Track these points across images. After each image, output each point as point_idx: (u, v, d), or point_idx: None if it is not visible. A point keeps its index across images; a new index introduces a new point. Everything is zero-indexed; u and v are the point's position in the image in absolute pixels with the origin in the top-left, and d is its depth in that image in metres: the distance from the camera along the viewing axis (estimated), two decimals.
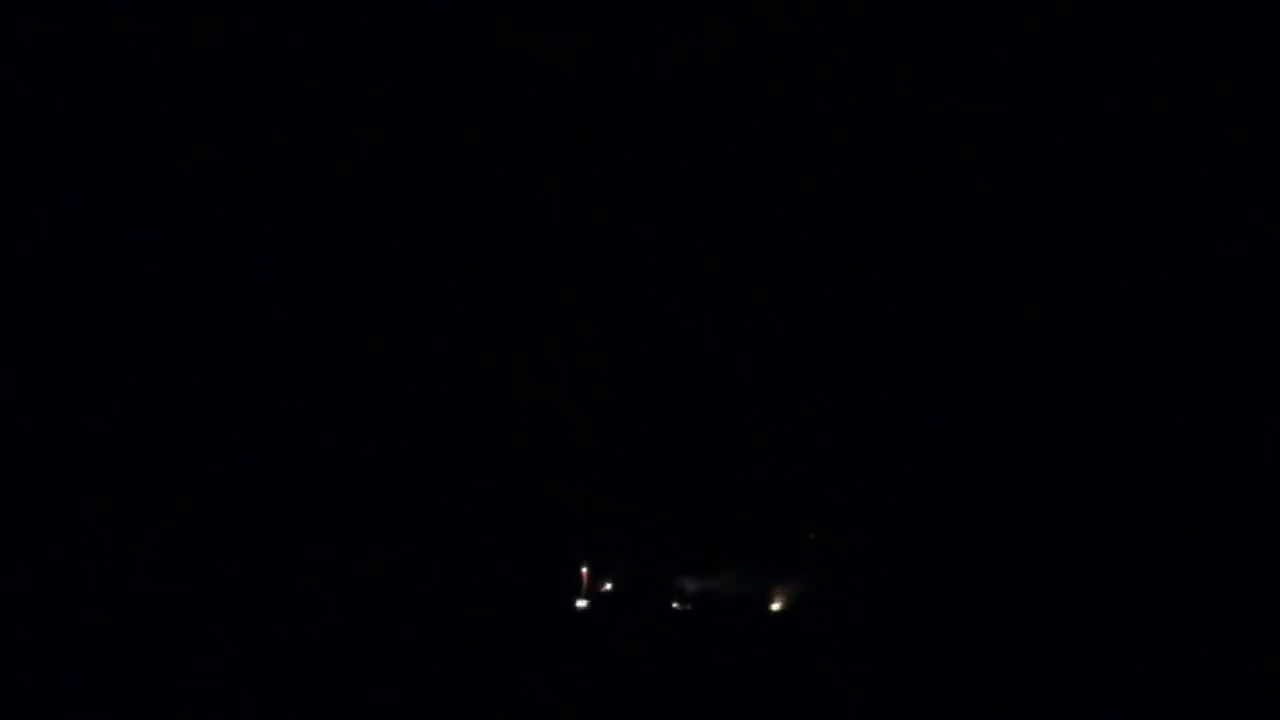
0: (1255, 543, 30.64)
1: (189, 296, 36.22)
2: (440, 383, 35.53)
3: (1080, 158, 34.32)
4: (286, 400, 35.76)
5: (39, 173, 34.19)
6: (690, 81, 35.51)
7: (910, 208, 35.53)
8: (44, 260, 35.18)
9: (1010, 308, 34.04)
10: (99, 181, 35.32)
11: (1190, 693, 29.24)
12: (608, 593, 35.69)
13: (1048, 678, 30.93)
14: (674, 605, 35.45)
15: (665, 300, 36.06)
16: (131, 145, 35.23)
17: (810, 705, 31.98)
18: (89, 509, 35.05)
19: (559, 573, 35.48)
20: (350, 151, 36.44)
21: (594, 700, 32.93)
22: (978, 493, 33.56)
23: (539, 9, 34.58)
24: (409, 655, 33.50)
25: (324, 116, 36.30)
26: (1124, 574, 31.23)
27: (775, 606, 35.26)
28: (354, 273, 36.59)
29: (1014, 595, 31.84)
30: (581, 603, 35.16)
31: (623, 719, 32.09)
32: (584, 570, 34.64)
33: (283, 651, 34.01)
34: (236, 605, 33.77)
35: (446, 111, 36.61)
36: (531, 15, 34.31)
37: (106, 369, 35.65)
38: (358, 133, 36.49)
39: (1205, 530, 31.50)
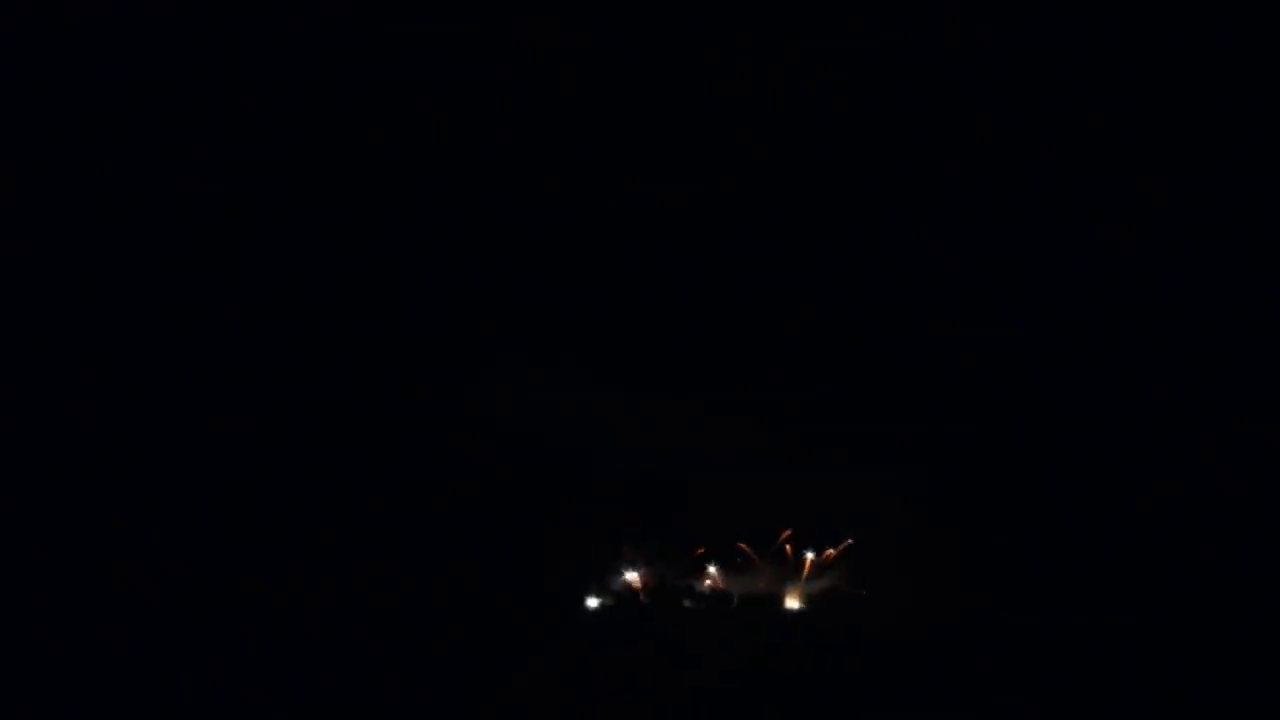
0: (1255, 542, 30.23)
1: (188, 297, 35.40)
2: (455, 381, 35.07)
3: (1080, 158, 33.76)
4: (289, 401, 35.17)
5: (39, 173, 33.46)
6: (689, 80, 34.81)
7: (910, 209, 34.97)
8: (43, 260, 34.34)
9: (1016, 312, 33.61)
10: (98, 182, 34.49)
11: (1192, 693, 28.90)
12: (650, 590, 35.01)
13: (1057, 677, 30.63)
14: (685, 604, 35.35)
15: (681, 302, 35.65)
16: (131, 146, 34.41)
17: (824, 703, 31.76)
18: (89, 509, 34.27)
19: (571, 572, 35.18)
20: (349, 153, 35.70)
21: (607, 698, 32.65)
22: (986, 497, 33.20)
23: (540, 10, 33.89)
24: (418, 653, 33.06)
25: (322, 118, 35.48)
26: (1127, 575, 30.95)
27: (793, 605, 35.18)
28: (355, 273, 35.92)
29: (1023, 596, 31.52)
30: (593, 601, 35.06)
31: (635, 716, 31.83)
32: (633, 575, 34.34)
33: (287, 652, 33.50)
34: (249, 605, 33.15)
35: (445, 112, 35.77)
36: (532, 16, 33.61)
37: (105, 369, 34.88)
38: (356, 134, 35.72)
39: (1206, 530, 31.09)
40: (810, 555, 34.49)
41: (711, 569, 35.04)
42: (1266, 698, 28.76)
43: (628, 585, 35.83)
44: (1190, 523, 31.56)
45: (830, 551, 34.55)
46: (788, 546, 35.46)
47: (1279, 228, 31.30)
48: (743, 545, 35.40)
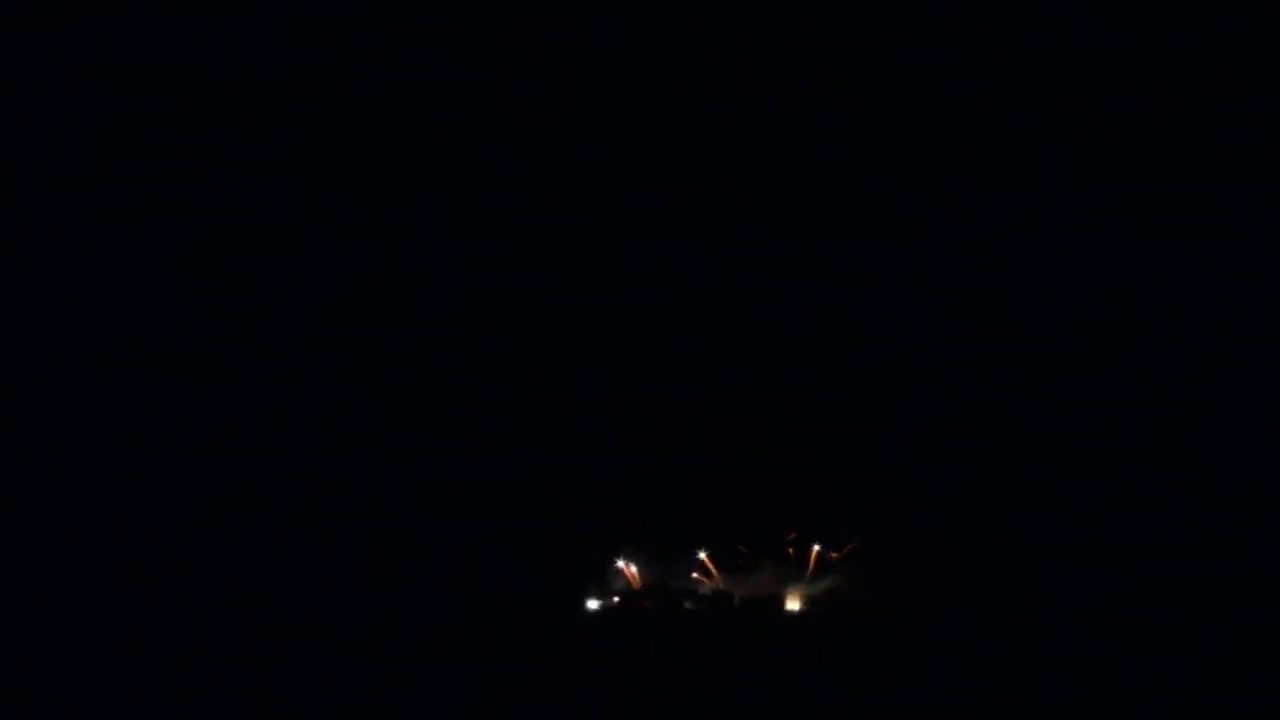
0: (1255, 543, 30.18)
1: (189, 298, 35.31)
2: (460, 381, 35.01)
3: (1080, 158, 33.68)
4: (290, 401, 35.12)
5: (39, 173, 33.37)
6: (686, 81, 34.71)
7: (912, 210, 34.87)
8: (43, 260, 34.28)
9: (1016, 312, 33.58)
10: (98, 182, 34.40)
11: (1191, 693, 28.88)
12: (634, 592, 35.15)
13: (1057, 677, 30.59)
14: (686, 605, 35.36)
15: (681, 302, 35.63)
16: (131, 146, 34.32)
17: (824, 703, 31.75)
18: (89, 509, 34.19)
19: (571, 572, 35.20)
20: (350, 154, 35.64)
21: (607, 698, 32.64)
22: (986, 497, 33.18)
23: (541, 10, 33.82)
24: (418, 653, 33.04)
25: (323, 119, 35.42)
26: (1125, 575, 30.94)
27: (794, 606, 35.18)
28: (355, 273, 35.90)
29: (1023, 596, 31.49)
30: (593, 602, 35.05)
31: (635, 716, 31.82)
32: (629, 568, 34.50)
33: (287, 652, 33.44)
34: (249, 605, 33.09)
35: (444, 114, 35.70)
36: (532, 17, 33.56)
37: (106, 369, 34.82)
38: (357, 135, 35.67)
39: (1205, 530, 31.03)
40: (817, 548, 34.47)
41: (711, 568, 35.02)
42: (1266, 698, 28.76)
43: (628, 586, 35.84)
44: (1190, 522, 31.55)
45: (835, 554, 34.52)
46: (790, 549, 35.46)
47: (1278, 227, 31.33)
48: (741, 546, 35.38)
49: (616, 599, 35.22)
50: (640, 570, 35.59)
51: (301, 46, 33.68)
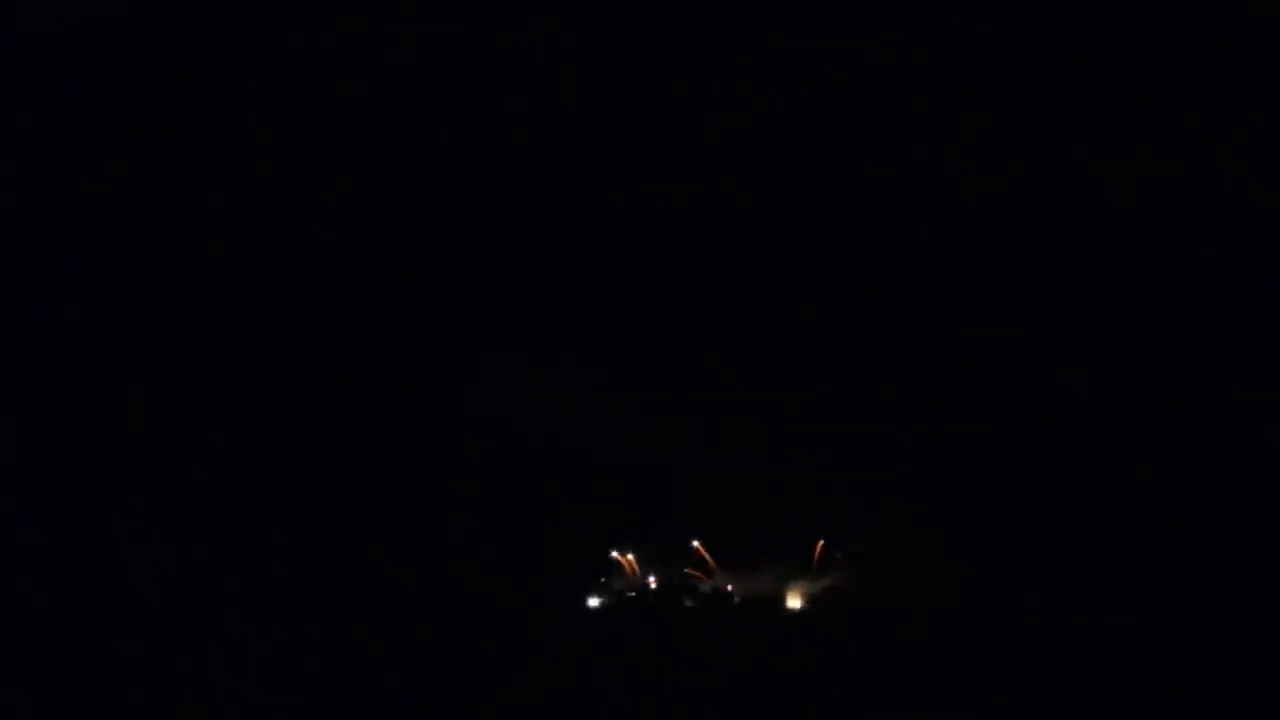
0: (1255, 543, 30.17)
1: (190, 297, 35.29)
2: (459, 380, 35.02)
3: (1080, 158, 33.63)
4: (290, 401, 35.12)
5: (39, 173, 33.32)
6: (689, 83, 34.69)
7: (912, 212, 34.84)
8: (43, 260, 34.25)
9: (1016, 312, 33.56)
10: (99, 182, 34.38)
11: (1191, 693, 28.87)
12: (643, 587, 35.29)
13: (1057, 677, 30.60)
14: (687, 604, 35.36)
15: (681, 303, 35.62)
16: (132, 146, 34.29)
17: (824, 702, 31.79)
18: (90, 509, 34.18)
19: (571, 572, 35.22)
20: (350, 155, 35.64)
21: (607, 697, 32.67)
22: (986, 497, 33.18)
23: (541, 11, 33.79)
24: (419, 653, 33.05)
25: (325, 120, 35.39)
26: (1125, 575, 30.95)
27: (795, 604, 35.18)
28: (355, 273, 35.89)
29: (1023, 597, 31.51)
30: (594, 601, 35.07)
31: (635, 715, 31.84)
32: (628, 559, 34.59)
33: (287, 652, 33.44)
34: (249, 605, 33.11)
35: (445, 114, 35.67)
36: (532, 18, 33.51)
37: (106, 369, 34.79)
38: (357, 136, 35.67)
39: (1205, 530, 31.02)
40: (822, 543, 34.54)
41: (707, 558, 35.06)
42: (1267, 698, 28.76)
43: (628, 585, 35.90)
44: (1190, 522, 31.56)
45: (840, 554, 34.60)
46: (793, 549, 35.50)
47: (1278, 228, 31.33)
48: (742, 545, 35.40)
49: (633, 594, 35.24)
50: (639, 568, 35.64)
51: (301, 46, 33.71)
